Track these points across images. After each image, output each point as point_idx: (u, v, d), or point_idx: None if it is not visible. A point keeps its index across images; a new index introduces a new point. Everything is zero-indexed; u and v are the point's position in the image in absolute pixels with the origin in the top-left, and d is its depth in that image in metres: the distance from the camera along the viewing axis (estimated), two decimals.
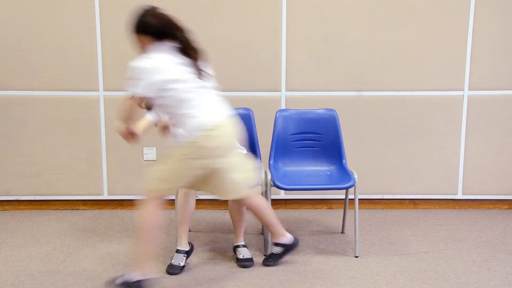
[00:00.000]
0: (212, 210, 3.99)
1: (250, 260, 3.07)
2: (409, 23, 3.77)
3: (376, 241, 3.42)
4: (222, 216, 3.90)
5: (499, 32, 3.79)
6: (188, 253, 3.06)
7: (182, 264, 3.00)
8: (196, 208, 3.18)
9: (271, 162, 3.34)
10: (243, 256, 3.07)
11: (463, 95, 3.86)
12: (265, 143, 3.44)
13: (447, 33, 3.78)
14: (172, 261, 3.01)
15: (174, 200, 3.18)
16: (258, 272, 2.98)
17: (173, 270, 2.97)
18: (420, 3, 3.74)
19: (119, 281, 2.67)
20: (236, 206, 3.05)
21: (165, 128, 2.87)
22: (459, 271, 3.00)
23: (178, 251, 3.04)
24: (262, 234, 3.49)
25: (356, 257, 3.18)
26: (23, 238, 3.47)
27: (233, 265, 3.07)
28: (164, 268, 3.00)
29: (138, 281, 2.66)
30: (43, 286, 2.83)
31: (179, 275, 2.95)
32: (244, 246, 3.13)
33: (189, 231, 3.59)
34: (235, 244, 3.14)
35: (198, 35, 3.75)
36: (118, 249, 3.30)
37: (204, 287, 2.82)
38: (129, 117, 2.68)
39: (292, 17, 3.75)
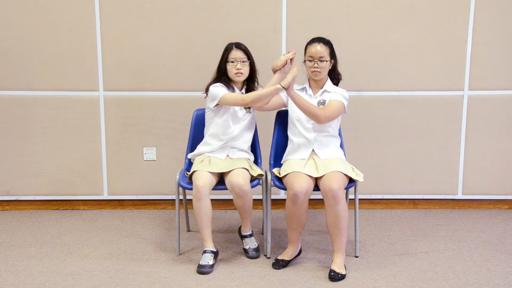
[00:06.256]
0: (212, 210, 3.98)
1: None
2: (409, 23, 3.77)
3: (376, 241, 3.42)
4: (222, 216, 3.90)
5: (499, 32, 3.79)
6: (215, 254, 3.06)
7: (211, 262, 3.00)
8: None
9: (271, 162, 3.34)
10: None
11: (463, 95, 3.86)
12: (265, 143, 3.44)
13: (447, 33, 3.78)
14: (200, 261, 3.01)
15: (174, 200, 3.18)
16: (258, 272, 2.98)
17: (204, 269, 2.97)
18: (420, 3, 3.74)
19: (340, 277, 2.89)
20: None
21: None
22: (459, 271, 3.00)
23: (205, 251, 3.04)
24: (262, 234, 3.49)
25: (356, 257, 3.18)
26: (23, 238, 3.47)
27: (233, 265, 3.08)
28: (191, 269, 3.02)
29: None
30: (43, 286, 2.83)
31: (180, 274, 2.95)
32: None
33: (188, 231, 3.60)
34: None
35: (198, 35, 3.77)
36: (118, 249, 3.30)
37: (204, 287, 2.82)
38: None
39: (292, 17, 3.75)
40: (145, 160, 3.92)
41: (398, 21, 3.76)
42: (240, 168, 3.06)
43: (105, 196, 3.97)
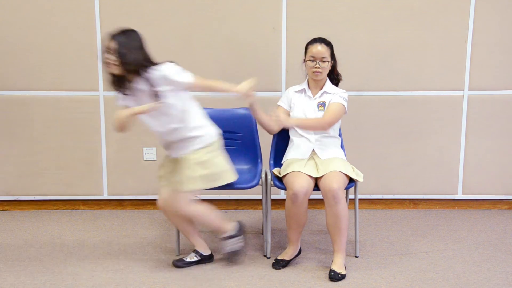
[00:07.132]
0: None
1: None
2: (409, 23, 3.77)
3: (376, 241, 3.42)
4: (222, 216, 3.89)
5: (499, 32, 3.79)
6: (202, 257, 3.08)
7: (188, 260, 3.05)
8: None
9: (271, 162, 3.34)
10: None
11: (463, 95, 3.86)
12: (265, 143, 3.44)
13: (447, 33, 3.78)
14: (183, 256, 3.10)
15: None
16: (258, 272, 2.98)
17: (177, 262, 3.04)
18: (420, 3, 3.74)
19: (340, 277, 2.89)
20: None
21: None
22: (459, 271, 3.00)
23: (194, 250, 3.10)
24: (262, 234, 3.49)
25: (356, 257, 3.18)
26: (23, 238, 3.47)
27: (233, 264, 3.08)
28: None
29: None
30: (43, 286, 2.83)
31: (180, 274, 2.95)
32: None
33: None
34: None
35: (198, 35, 3.77)
36: (118, 249, 3.30)
37: (204, 287, 2.82)
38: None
39: (292, 17, 3.75)
40: (145, 160, 3.92)
41: (398, 21, 3.77)
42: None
43: (105, 196, 3.97)
